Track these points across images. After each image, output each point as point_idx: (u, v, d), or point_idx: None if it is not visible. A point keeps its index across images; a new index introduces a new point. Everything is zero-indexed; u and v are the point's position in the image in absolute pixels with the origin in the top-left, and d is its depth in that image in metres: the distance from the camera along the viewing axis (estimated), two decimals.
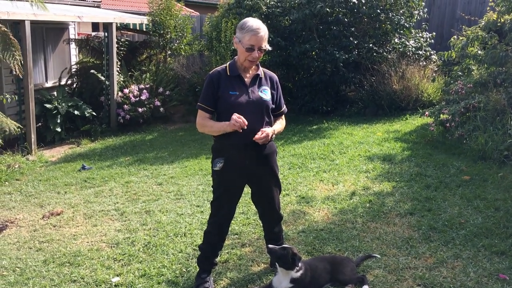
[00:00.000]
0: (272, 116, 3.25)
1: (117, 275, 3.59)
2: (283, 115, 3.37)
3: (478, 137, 5.79)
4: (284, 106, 3.38)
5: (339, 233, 4.00)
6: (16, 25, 7.58)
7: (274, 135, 3.19)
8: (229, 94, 3.10)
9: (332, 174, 5.58)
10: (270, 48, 3.24)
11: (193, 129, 8.88)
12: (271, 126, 3.20)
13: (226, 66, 3.21)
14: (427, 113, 6.94)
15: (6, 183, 6.32)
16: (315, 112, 9.09)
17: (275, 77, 3.31)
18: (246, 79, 3.16)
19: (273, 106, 3.24)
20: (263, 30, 3.06)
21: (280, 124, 3.31)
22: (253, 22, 3.08)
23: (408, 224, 4.12)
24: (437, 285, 3.19)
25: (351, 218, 4.31)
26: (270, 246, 3.13)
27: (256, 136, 3.01)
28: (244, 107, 3.07)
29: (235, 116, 2.97)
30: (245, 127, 2.98)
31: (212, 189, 3.33)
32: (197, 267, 3.42)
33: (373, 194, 4.86)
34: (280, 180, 3.41)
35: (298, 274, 3.06)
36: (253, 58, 3.08)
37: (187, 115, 10.12)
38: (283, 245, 3.12)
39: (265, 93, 3.18)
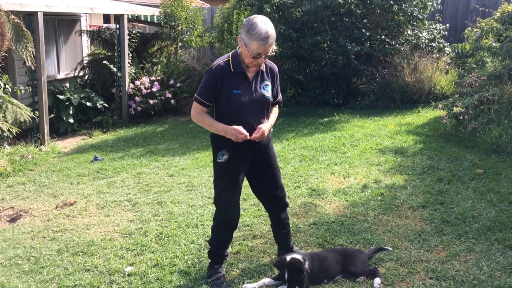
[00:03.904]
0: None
1: (130, 265, 3.63)
2: (278, 104, 3.35)
3: (492, 130, 5.73)
4: (280, 95, 3.34)
5: (350, 226, 4.00)
6: (29, 17, 7.62)
7: (271, 129, 3.20)
8: (233, 93, 3.03)
9: (343, 166, 5.56)
10: (276, 48, 3.20)
11: None
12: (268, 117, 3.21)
13: (229, 60, 3.07)
14: (440, 105, 6.87)
15: (20, 173, 6.40)
16: (326, 104, 9.04)
17: (275, 68, 3.26)
18: (249, 74, 3.09)
19: (272, 99, 3.22)
20: (272, 37, 2.88)
21: (274, 114, 3.29)
22: (262, 26, 2.86)
23: (420, 217, 4.10)
24: (449, 278, 3.17)
25: (363, 211, 4.30)
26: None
27: (253, 135, 3.01)
28: (247, 105, 3.05)
29: (237, 129, 2.96)
30: (248, 137, 2.98)
31: (213, 184, 3.31)
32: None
33: (385, 187, 4.83)
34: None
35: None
36: (258, 64, 3.01)
37: None
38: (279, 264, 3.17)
39: (267, 89, 3.15)
